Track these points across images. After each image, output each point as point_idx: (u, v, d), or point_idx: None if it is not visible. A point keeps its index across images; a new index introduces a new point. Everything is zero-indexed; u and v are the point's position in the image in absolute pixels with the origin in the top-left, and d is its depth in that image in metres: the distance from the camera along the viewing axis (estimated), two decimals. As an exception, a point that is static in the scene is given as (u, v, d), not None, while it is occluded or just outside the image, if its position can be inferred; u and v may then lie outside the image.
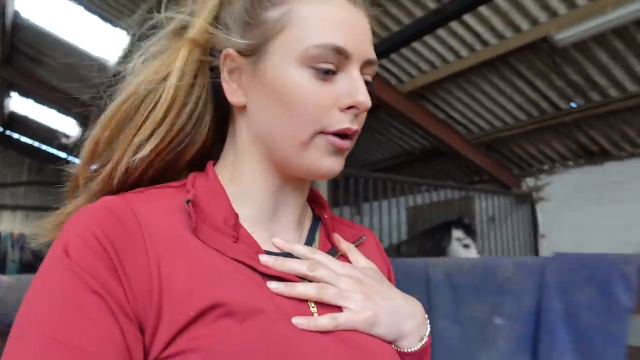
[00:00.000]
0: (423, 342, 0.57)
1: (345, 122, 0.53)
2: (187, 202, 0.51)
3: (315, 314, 0.51)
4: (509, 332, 1.38)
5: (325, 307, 0.52)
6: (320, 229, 0.63)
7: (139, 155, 0.54)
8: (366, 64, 0.55)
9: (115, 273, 0.45)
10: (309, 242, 0.61)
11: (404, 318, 0.56)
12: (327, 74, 0.52)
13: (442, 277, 1.54)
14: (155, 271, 0.46)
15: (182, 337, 0.44)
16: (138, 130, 0.54)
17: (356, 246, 0.62)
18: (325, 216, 0.63)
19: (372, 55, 0.56)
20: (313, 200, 0.66)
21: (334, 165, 0.55)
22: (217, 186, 0.56)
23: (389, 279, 0.67)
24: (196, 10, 0.57)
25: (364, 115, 0.56)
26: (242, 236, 0.53)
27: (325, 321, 0.50)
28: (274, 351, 0.45)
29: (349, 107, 0.53)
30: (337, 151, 0.54)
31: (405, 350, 0.56)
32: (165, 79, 0.54)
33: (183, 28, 0.57)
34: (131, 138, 0.54)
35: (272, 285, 0.50)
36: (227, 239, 0.52)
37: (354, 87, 0.53)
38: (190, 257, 0.48)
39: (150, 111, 0.54)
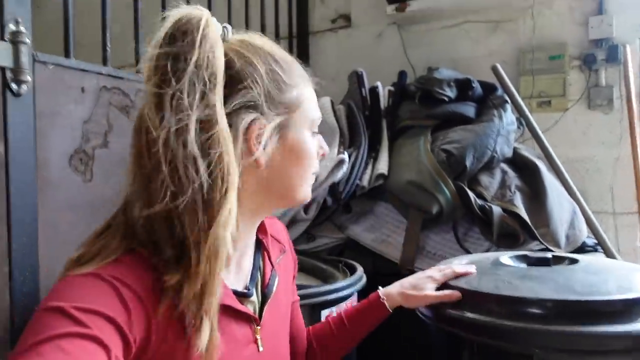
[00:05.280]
0: None
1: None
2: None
3: (259, 341, 0.74)
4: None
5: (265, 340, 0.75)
6: (263, 254, 0.80)
7: None
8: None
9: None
10: (255, 268, 0.77)
11: None
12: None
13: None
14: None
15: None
16: None
17: (280, 258, 0.83)
18: (265, 241, 0.79)
19: None
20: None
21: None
22: None
23: (294, 269, 0.92)
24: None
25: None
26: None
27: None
28: None
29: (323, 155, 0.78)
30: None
31: None
32: None
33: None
34: None
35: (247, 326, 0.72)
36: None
37: (322, 142, 0.77)
38: None
39: None
